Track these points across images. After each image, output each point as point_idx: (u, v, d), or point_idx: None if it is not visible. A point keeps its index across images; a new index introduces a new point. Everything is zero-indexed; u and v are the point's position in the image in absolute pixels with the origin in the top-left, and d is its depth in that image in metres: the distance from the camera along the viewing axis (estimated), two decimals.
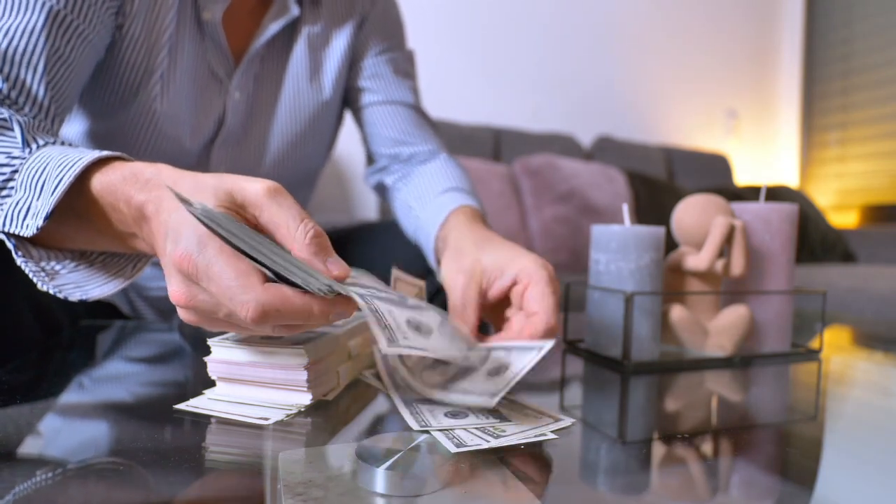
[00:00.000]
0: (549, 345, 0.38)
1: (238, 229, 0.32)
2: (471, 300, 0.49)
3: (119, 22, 0.62)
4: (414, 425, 0.36)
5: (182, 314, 0.36)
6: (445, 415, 0.37)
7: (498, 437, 0.34)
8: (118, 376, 0.50)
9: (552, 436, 0.35)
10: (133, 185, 0.40)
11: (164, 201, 0.37)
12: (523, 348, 0.40)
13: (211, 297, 0.34)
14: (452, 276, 0.51)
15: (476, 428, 0.35)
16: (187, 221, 0.34)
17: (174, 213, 0.35)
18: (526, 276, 0.48)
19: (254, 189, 0.36)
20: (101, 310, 0.78)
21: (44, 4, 0.54)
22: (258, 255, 0.32)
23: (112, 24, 0.61)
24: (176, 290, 0.34)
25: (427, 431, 0.35)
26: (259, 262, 0.32)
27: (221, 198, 0.35)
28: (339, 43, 0.78)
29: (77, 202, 0.43)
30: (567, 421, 0.37)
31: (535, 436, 0.34)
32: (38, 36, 0.53)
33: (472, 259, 0.52)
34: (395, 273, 0.52)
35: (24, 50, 0.53)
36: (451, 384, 0.39)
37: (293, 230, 0.35)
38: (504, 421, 0.37)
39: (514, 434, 0.34)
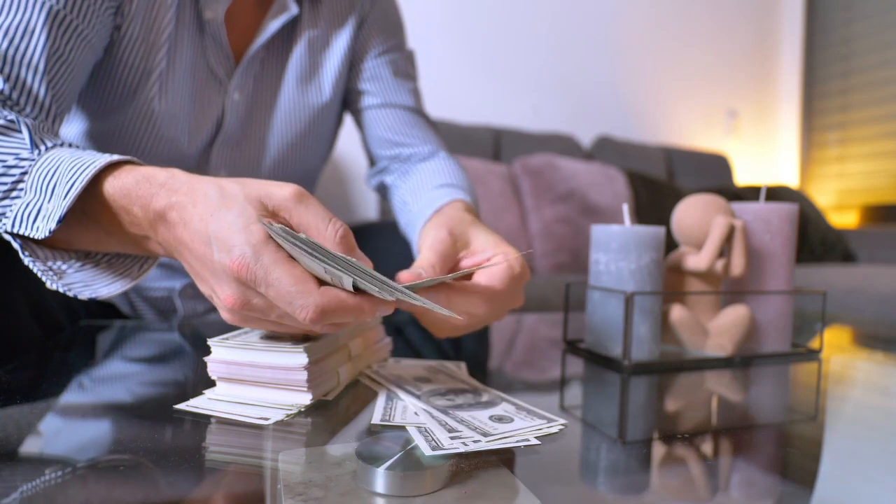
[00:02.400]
0: (558, 424, 0.37)
1: (312, 243, 0.35)
2: (443, 252, 0.48)
3: (118, 22, 0.62)
4: (376, 419, 0.37)
5: (227, 316, 0.39)
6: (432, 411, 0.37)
7: (481, 439, 0.33)
8: (118, 376, 0.50)
9: (535, 441, 0.34)
10: (148, 189, 0.41)
11: (188, 208, 0.38)
12: (533, 413, 0.39)
13: (264, 301, 0.36)
14: (433, 230, 0.51)
15: (461, 428, 0.35)
16: (234, 229, 0.35)
17: (212, 223, 0.37)
18: (503, 258, 0.48)
19: (282, 195, 0.38)
20: (101, 310, 0.78)
21: (43, 4, 0.54)
22: (338, 268, 0.34)
23: (111, 24, 0.61)
24: (231, 295, 0.36)
25: (390, 426, 0.35)
26: (337, 273, 0.34)
27: (257, 207, 0.37)
28: (339, 44, 0.78)
29: (88, 204, 0.43)
30: (556, 426, 0.36)
31: (517, 441, 0.34)
32: (38, 36, 0.53)
33: (459, 230, 0.52)
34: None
35: (25, 50, 0.53)
36: (453, 411, 0.38)
37: (323, 230, 0.37)
38: (493, 421, 0.36)
39: (500, 437, 0.34)
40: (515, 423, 0.36)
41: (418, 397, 0.41)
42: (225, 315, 0.39)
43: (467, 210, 0.64)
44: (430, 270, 0.46)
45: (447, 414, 0.37)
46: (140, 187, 0.41)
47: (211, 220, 0.37)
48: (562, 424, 0.37)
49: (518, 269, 0.48)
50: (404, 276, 0.45)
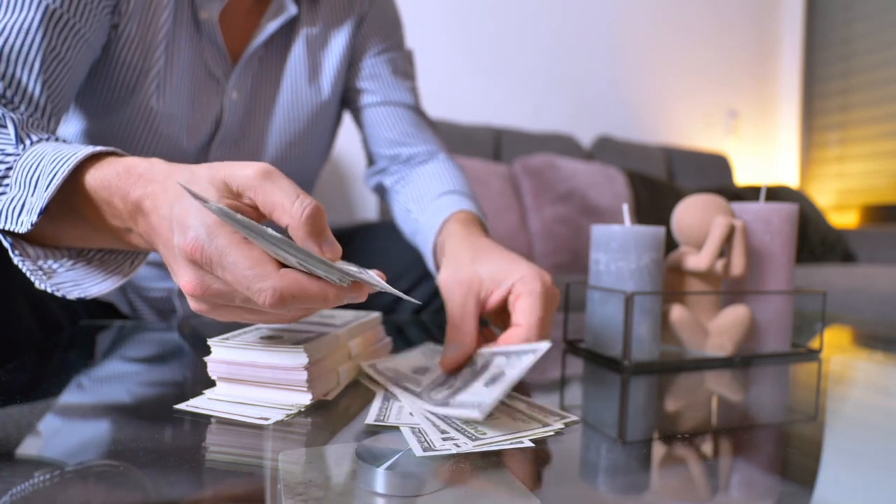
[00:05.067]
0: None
1: (255, 226, 0.33)
2: (469, 312, 0.48)
3: (115, 21, 0.62)
4: (370, 419, 0.36)
5: (193, 304, 0.37)
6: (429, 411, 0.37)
7: (475, 438, 0.33)
8: (118, 376, 0.50)
9: (529, 444, 0.33)
10: (127, 179, 0.40)
11: (160, 196, 0.37)
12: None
13: (224, 286, 0.34)
14: (450, 287, 0.51)
15: (454, 429, 0.35)
16: (192, 210, 0.34)
17: (175, 206, 0.35)
18: (521, 286, 0.47)
19: (245, 173, 0.36)
20: (101, 310, 0.78)
21: (40, 3, 0.54)
22: (278, 250, 0.32)
23: (108, 22, 0.61)
24: (188, 281, 0.35)
25: (384, 426, 0.35)
26: (281, 254, 0.32)
27: (219, 188, 0.36)
28: (338, 43, 0.78)
29: (72, 198, 0.43)
30: (551, 429, 0.36)
31: (511, 443, 0.33)
32: (34, 34, 0.53)
33: (469, 270, 0.51)
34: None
35: (21, 48, 0.53)
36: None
37: (289, 208, 0.35)
38: (490, 423, 0.36)
39: (493, 439, 0.33)
40: (531, 425, 0.36)
41: (419, 395, 0.41)
42: (191, 304, 0.37)
43: (470, 223, 0.64)
44: (471, 345, 0.47)
45: (449, 406, 0.37)
46: (120, 178, 0.40)
47: (175, 204, 0.35)
48: (575, 418, 0.37)
49: (539, 286, 0.47)
50: (447, 364, 0.46)
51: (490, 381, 0.37)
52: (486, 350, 0.44)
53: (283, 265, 0.34)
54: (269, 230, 0.33)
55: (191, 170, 0.37)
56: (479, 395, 0.36)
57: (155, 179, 0.38)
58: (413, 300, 0.36)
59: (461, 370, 0.44)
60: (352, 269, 0.36)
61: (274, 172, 0.36)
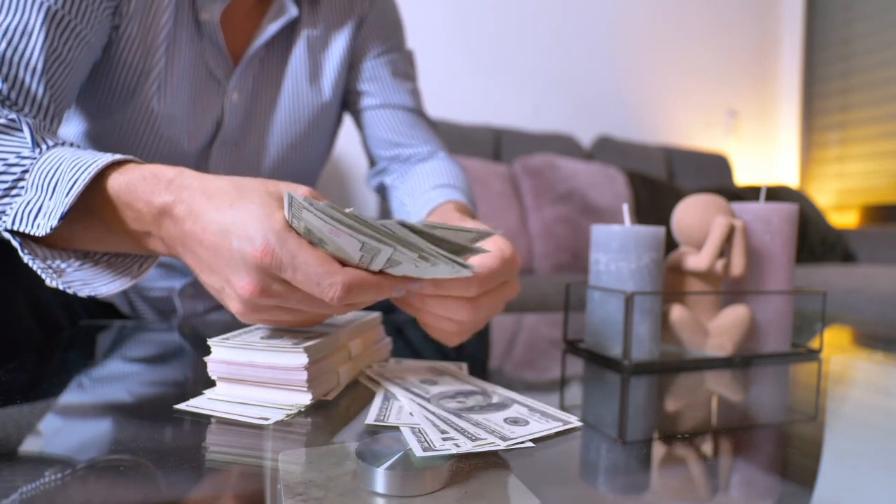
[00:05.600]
0: (464, 273, 0.37)
1: (360, 217, 0.35)
2: None
3: (115, 22, 0.62)
4: (370, 419, 0.37)
5: (238, 307, 0.39)
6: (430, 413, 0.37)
7: (475, 439, 0.33)
8: (118, 376, 0.50)
9: (529, 444, 0.33)
10: (155, 185, 0.41)
11: (199, 202, 0.39)
12: (548, 416, 0.38)
13: (284, 287, 0.37)
14: None
15: (454, 429, 0.34)
16: (255, 218, 0.36)
17: (228, 212, 0.37)
18: (492, 244, 0.46)
19: (298, 193, 0.38)
20: (101, 310, 0.78)
21: (41, 5, 0.54)
22: (378, 238, 0.35)
23: (109, 24, 0.61)
24: (249, 283, 0.37)
25: (384, 426, 0.35)
26: (375, 246, 0.35)
27: (275, 198, 0.39)
28: (338, 45, 0.78)
29: (90, 201, 0.43)
30: (551, 429, 0.36)
31: (511, 442, 0.33)
32: (36, 36, 0.53)
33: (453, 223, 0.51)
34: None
35: (23, 51, 0.53)
36: (466, 414, 0.38)
37: None
38: (509, 424, 0.36)
39: (493, 439, 0.33)
40: (531, 426, 0.36)
41: (428, 400, 0.41)
42: (235, 306, 0.39)
43: (457, 209, 0.65)
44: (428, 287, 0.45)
45: (461, 417, 0.37)
46: (146, 183, 0.41)
47: (229, 210, 0.37)
48: (578, 423, 0.37)
49: (508, 252, 0.45)
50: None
51: (511, 422, 0.37)
52: (506, 393, 0.43)
53: (344, 265, 0.37)
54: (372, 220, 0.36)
55: (233, 179, 0.40)
56: (502, 428, 0.36)
57: (189, 186, 0.40)
58: (468, 266, 0.37)
59: (473, 394, 0.43)
60: (431, 248, 0.37)
61: (320, 197, 0.40)
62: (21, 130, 0.48)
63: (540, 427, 0.36)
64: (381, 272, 0.38)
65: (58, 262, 0.46)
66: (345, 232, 0.34)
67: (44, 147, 0.47)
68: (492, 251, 0.44)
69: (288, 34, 0.75)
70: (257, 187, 0.39)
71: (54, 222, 0.42)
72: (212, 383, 0.41)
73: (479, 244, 0.42)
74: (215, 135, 0.72)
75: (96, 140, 0.69)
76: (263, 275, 0.36)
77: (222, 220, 0.37)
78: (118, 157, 0.44)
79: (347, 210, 0.36)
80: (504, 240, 0.46)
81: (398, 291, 0.40)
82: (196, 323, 0.77)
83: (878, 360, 0.70)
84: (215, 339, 0.41)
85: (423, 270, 0.37)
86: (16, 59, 0.53)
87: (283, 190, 0.39)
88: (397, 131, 0.82)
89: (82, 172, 0.42)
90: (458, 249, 0.39)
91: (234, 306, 0.39)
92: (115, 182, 0.42)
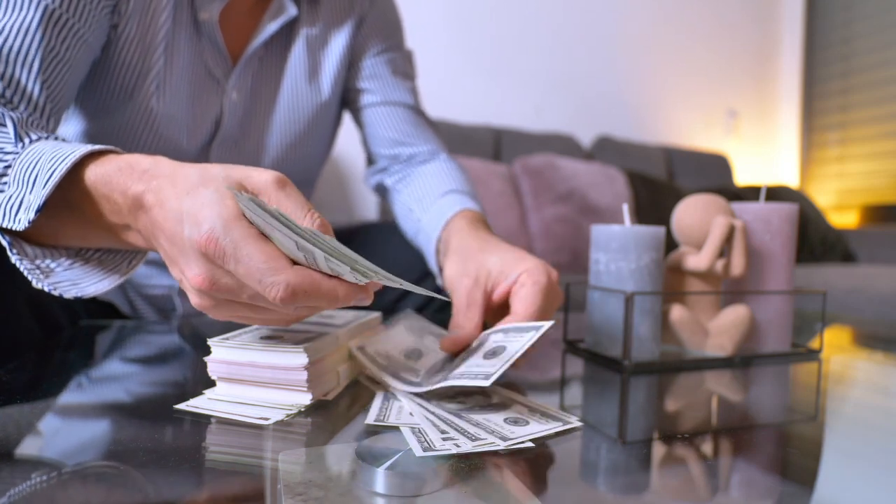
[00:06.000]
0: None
1: (284, 217, 0.33)
2: (475, 301, 0.49)
3: (114, 21, 0.62)
4: (370, 419, 0.36)
5: (196, 299, 0.37)
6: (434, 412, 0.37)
7: (475, 438, 0.33)
8: (118, 376, 0.50)
9: (530, 444, 0.33)
10: (129, 175, 0.40)
11: (166, 189, 0.37)
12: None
13: (233, 280, 0.34)
14: (457, 279, 0.51)
15: (454, 429, 0.35)
16: (206, 204, 0.34)
17: (186, 199, 0.35)
18: (526, 277, 0.48)
19: (262, 179, 0.37)
20: (101, 309, 0.78)
21: (39, 3, 0.54)
22: (304, 242, 0.33)
23: (107, 22, 0.61)
24: (197, 274, 0.35)
25: (384, 426, 0.35)
26: (309, 245, 0.33)
27: (234, 186, 0.36)
28: (338, 43, 0.78)
29: (70, 194, 0.43)
30: (551, 429, 0.36)
31: (512, 442, 0.33)
32: (33, 34, 0.53)
33: (477, 262, 0.51)
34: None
35: (20, 48, 0.53)
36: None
37: (300, 219, 0.36)
38: (510, 424, 0.36)
39: (493, 440, 0.33)
40: (532, 427, 0.36)
41: (419, 384, 0.41)
42: (193, 299, 0.37)
43: (476, 221, 0.65)
44: (475, 331, 0.47)
45: (460, 417, 0.37)
46: (122, 173, 0.40)
47: (186, 198, 0.35)
48: (578, 423, 0.37)
49: (544, 279, 0.47)
50: (447, 345, 0.46)
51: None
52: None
53: (295, 263, 0.34)
54: (297, 224, 0.33)
55: (202, 168, 0.37)
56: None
57: (160, 175, 0.38)
58: (439, 294, 0.36)
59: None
60: (376, 268, 0.36)
61: (288, 183, 0.37)
62: (4, 125, 0.47)
63: (540, 427, 0.36)
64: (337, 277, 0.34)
65: (48, 261, 0.46)
66: (276, 228, 0.32)
67: (27, 141, 0.46)
68: (528, 290, 0.46)
69: (287, 33, 0.75)
70: (218, 174, 0.36)
71: (31, 215, 0.41)
72: (212, 383, 0.41)
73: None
74: (214, 134, 0.72)
75: (96, 139, 0.69)
76: (210, 265, 0.34)
77: (179, 208, 0.35)
78: (96, 147, 0.42)
79: (272, 207, 0.33)
80: (538, 267, 0.47)
81: (361, 301, 0.36)
82: (196, 323, 0.77)
83: (878, 360, 0.70)
84: (215, 339, 0.41)
85: (362, 281, 0.34)
86: (12, 57, 0.52)
87: (242, 178, 0.36)
88: (398, 129, 0.81)
89: (59, 164, 0.41)
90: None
91: (192, 299, 0.37)
92: (92, 173, 0.41)
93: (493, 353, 0.37)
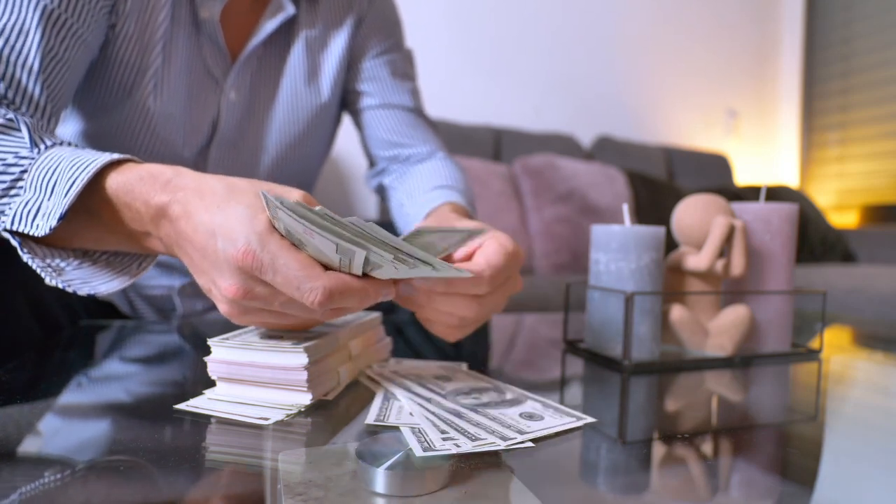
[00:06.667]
0: (464, 274, 0.37)
1: (334, 217, 0.35)
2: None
3: (112, 21, 0.62)
4: (370, 419, 0.37)
5: (226, 308, 0.39)
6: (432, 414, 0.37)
7: (475, 438, 0.33)
8: (118, 376, 0.50)
9: (530, 444, 0.33)
10: (152, 185, 0.41)
11: (193, 202, 0.39)
12: (562, 423, 0.39)
13: (267, 290, 0.36)
14: None
15: (454, 429, 0.34)
16: (238, 219, 0.36)
17: (217, 214, 0.37)
18: (492, 239, 0.45)
19: (293, 196, 0.39)
20: (101, 309, 0.78)
21: (37, 3, 0.54)
22: (352, 240, 0.35)
23: (106, 22, 0.61)
24: (231, 285, 0.36)
25: (384, 426, 0.35)
26: (350, 248, 0.35)
27: (270, 195, 0.38)
28: (337, 44, 0.78)
29: (89, 201, 0.43)
30: (551, 429, 0.36)
31: (512, 442, 0.33)
32: (32, 35, 0.53)
33: (448, 225, 0.52)
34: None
35: (20, 50, 0.53)
36: (482, 409, 0.38)
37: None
38: (525, 419, 0.37)
39: (492, 439, 0.33)
40: (547, 421, 0.37)
41: (444, 396, 0.41)
42: (223, 307, 0.39)
43: (453, 210, 0.65)
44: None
45: (477, 412, 0.38)
46: (144, 183, 0.41)
47: (217, 212, 0.37)
48: (591, 420, 0.38)
49: (511, 247, 0.45)
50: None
51: (528, 417, 0.38)
52: (519, 390, 0.43)
53: (327, 268, 0.36)
54: (341, 219, 0.35)
55: (227, 180, 0.40)
56: (519, 423, 0.36)
57: (185, 186, 0.40)
58: (465, 273, 0.37)
59: (487, 390, 0.44)
60: (419, 253, 0.37)
61: (312, 201, 0.39)
62: (19, 130, 0.47)
63: (555, 422, 0.37)
64: (366, 276, 0.37)
65: (57, 260, 0.46)
66: (317, 233, 0.34)
67: (42, 147, 0.47)
68: (494, 247, 0.44)
69: (286, 33, 0.75)
70: (248, 189, 0.39)
71: (53, 223, 0.42)
72: (212, 383, 0.41)
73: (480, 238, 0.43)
74: (213, 135, 0.72)
75: (93, 139, 0.69)
76: (246, 277, 0.36)
77: (210, 222, 0.37)
78: (116, 156, 0.44)
79: (317, 208, 0.35)
80: (506, 235, 0.46)
81: (386, 296, 0.38)
82: (196, 323, 0.77)
83: (878, 360, 0.70)
84: (215, 339, 0.41)
85: (403, 273, 0.36)
86: (12, 57, 0.53)
87: (278, 192, 0.39)
88: (396, 131, 0.82)
89: (81, 173, 0.42)
90: (447, 250, 0.39)
91: (222, 307, 0.39)
92: (114, 182, 0.42)
93: (530, 417, 0.38)
